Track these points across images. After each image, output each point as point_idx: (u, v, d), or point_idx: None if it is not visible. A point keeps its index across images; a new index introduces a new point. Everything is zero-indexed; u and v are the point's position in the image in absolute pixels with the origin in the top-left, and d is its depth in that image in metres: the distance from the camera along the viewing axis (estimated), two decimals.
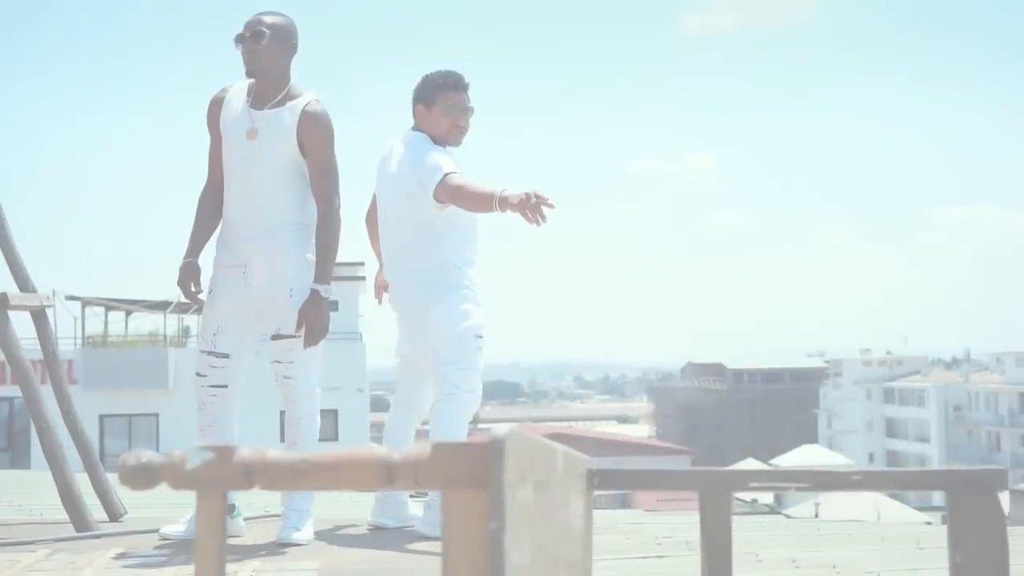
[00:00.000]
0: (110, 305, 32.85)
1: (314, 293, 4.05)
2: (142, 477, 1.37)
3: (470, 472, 1.29)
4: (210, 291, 4.21)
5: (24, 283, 4.58)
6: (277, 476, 1.33)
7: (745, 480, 1.57)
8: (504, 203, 4.01)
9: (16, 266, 4.58)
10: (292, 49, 4.17)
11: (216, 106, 4.26)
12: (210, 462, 1.34)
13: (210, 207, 4.28)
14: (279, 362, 4.11)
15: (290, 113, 4.09)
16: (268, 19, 4.12)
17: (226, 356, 4.17)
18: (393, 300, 4.52)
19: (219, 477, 1.34)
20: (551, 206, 3.95)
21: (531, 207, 3.93)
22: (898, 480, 1.54)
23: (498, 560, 1.24)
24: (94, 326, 33.76)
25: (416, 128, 4.52)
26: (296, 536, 3.98)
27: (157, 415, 30.17)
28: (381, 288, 4.77)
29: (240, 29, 4.11)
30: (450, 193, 4.21)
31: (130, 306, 32.96)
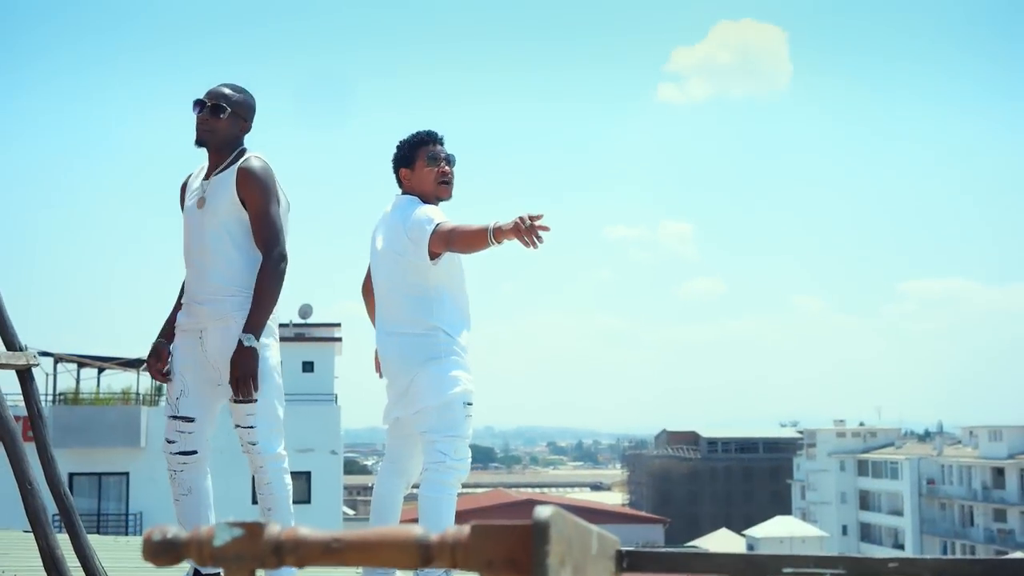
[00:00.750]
0: (82, 362, 32.58)
1: (239, 342, 4.00)
2: (167, 553, 1.32)
3: (510, 555, 1.25)
4: (171, 356, 4.22)
5: (11, 342, 4.51)
6: (309, 554, 1.29)
7: (779, 564, 1.53)
8: (499, 233, 4.03)
9: (3, 324, 4.52)
10: (247, 129, 4.23)
11: (183, 190, 4.37)
12: (239, 539, 1.30)
13: None
14: (240, 427, 4.10)
15: (230, 173, 4.14)
16: (231, 95, 4.15)
17: (191, 420, 4.17)
18: (383, 366, 4.50)
19: (248, 555, 1.30)
20: (546, 228, 3.98)
21: (527, 230, 3.95)
22: (936, 568, 1.51)
23: None
24: (66, 382, 33.48)
25: (405, 192, 4.55)
26: None
27: (128, 474, 29.83)
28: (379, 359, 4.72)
29: (201, 95, 4.15)
30: (444, 239, 4.22)
31: (103, 363, 32.70)
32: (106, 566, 4.72)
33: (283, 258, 4.10)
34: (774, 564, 1.54)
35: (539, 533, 1.23)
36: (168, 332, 4.28)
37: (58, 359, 31.47)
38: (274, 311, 4.17)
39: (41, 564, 4.24)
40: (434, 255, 4.29)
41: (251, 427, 4.07)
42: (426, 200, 4.47)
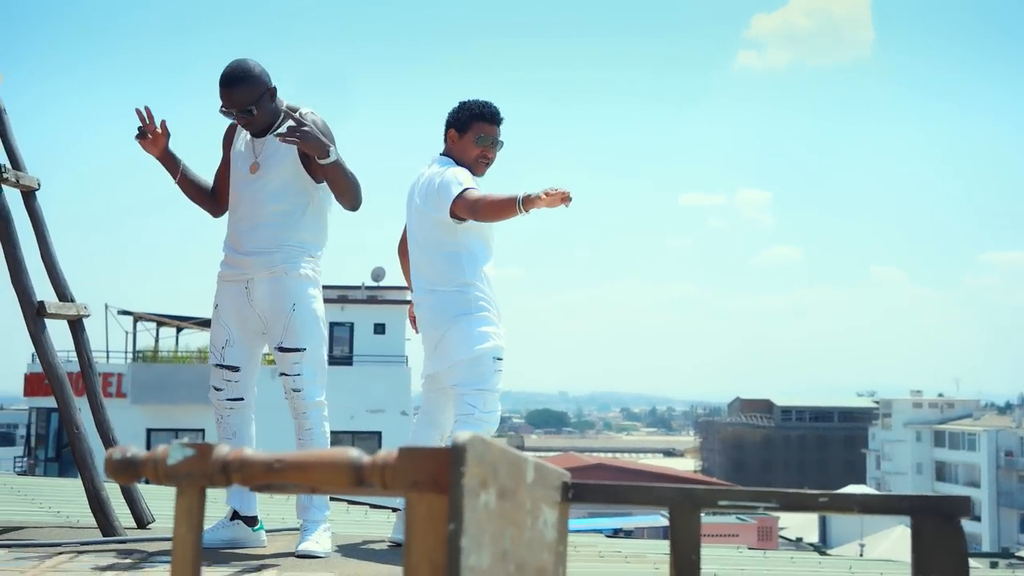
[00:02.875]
0: (161, 321, 33.28)
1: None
2: (126, 470, 1.43)
3: (434, 477, 1.34)
4: (216, 306, 4.34)
5: (63, 293, 4.69)
6: (253, 473, 1.39)
7: (714, 497, 1.60)
8: (528, 202, 4.10)
9: (55, 275, 4.69)
10: (275, 92, 4.25)
11: (231, 129, 4.45)
12: (190, 458, 1.40)
13: (206, 189, 4.48)
14: (286, 375, 4.21)
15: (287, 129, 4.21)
16: (244, 91, 4.14)
17: (236, 369, 4.28)
18: (418, 322, 4.61)
19: (198, 472, 1.40)
20: (568, 196, 4.11)
21: (560, 197, 4.08)
22: (863, 504, 1.57)
23: (454, 562, 1.29)
24: (145, 341, 34.22)
25: (444, 153, 4.63)
26: (312, 547, 4.05)
27: (203, 430, 30.44)
28: (414, 318, 4.83)
29: (220, 104, 4.18)
30: (469, 207, 4.29)
31: (181, 322, 33.37)
32: (157, 512, 4.91)
33: (361, 191, 4.26)
34: (710, 497, 1.61)
35: (456, 455, 1.31)
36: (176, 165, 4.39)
37: (137, 318, 32.18)
38: (318, 263, 4.30)
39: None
40: (457, 218, 4.38)
41: (297, 375, 4.18)
42: (462, 166, 4.56)
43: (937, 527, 1.54)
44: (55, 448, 32.23)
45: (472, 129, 4.59)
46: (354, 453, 1.38)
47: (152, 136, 4.25)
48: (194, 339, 34.93)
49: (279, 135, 4.04)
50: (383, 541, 4.57)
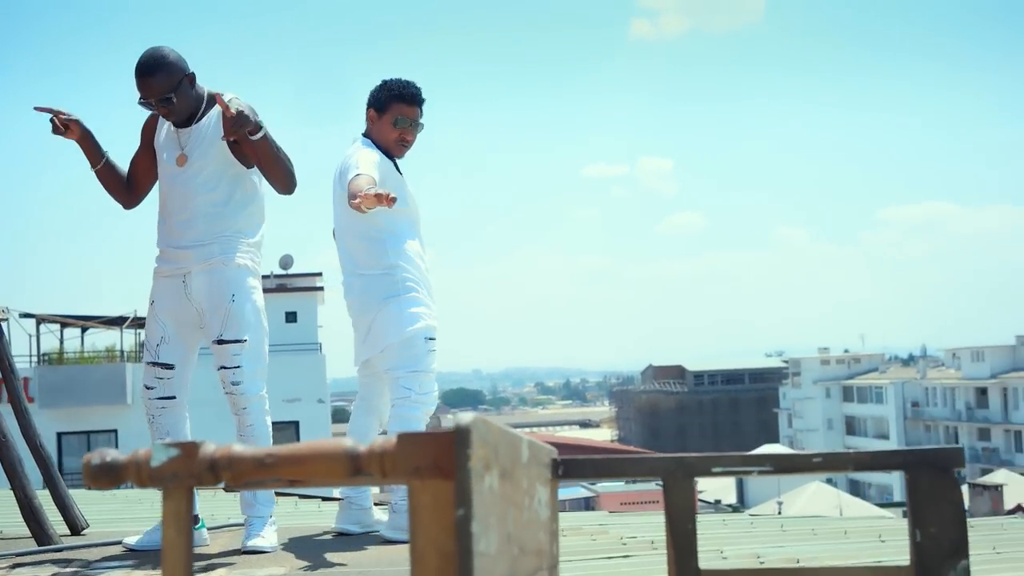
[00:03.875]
0: (65, 322, 32.50)
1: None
2: (106, 475, 1.36)
3: (436, 461, 1.29)
4: (151, 302, 4.21)
5: None
6: (243, 470, 1.33)
7: (708, 465, 1.58)
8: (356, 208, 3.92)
9: None
10: (193, 79, 4.12)
11: (152, 119, 4.30)
12: (175, 458, 1.34)
13: (123, 180, 4.33)
14: (225, 367, 4.09)
15: (215, 119, 4.12)
16: (161, 80, 4.00)
17: (171, 367, 4.16)
18: (348, 308, 4.52)
19: (185, 473, 1.34)
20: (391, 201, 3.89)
21: (386, 199, 3.85)
22: (857, 461, 1.56)
23: (465, 548, 1.24)
24: (49, 343, 33.39)
25: (365, 133, 4.54)
26: (260, 543, 3.97)
27: (116, 431, 29.85)
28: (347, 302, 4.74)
29: (138, 94, 4.04)
30: (349, 196, 4.14)
31: (86, 322, 32.64)
32: (91, 517, 4.78)
33: (294, 170, 4.15)
34: (704, 464, 1.59)
35: (461, 438, 1.27)
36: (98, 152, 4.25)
37: (40, 320, 31.38)
38: (256, 252, 4.20)
39: (21, 518, 4.29)
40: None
41: (237, 367, 4.07)
42: (380, 148, 4.46)
43: (932, 479, 1.53)
44: None
45: (391, 110, 4.50)
46: (349, 443, 1.33)
47: (63, 125, 4.10)
48: (100, 339, 34.21)
49: (224, 137, 3.92)
50: (328, 532, 4.51)
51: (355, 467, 1.31)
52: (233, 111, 3.84)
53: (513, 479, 1.42)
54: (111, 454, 1.37)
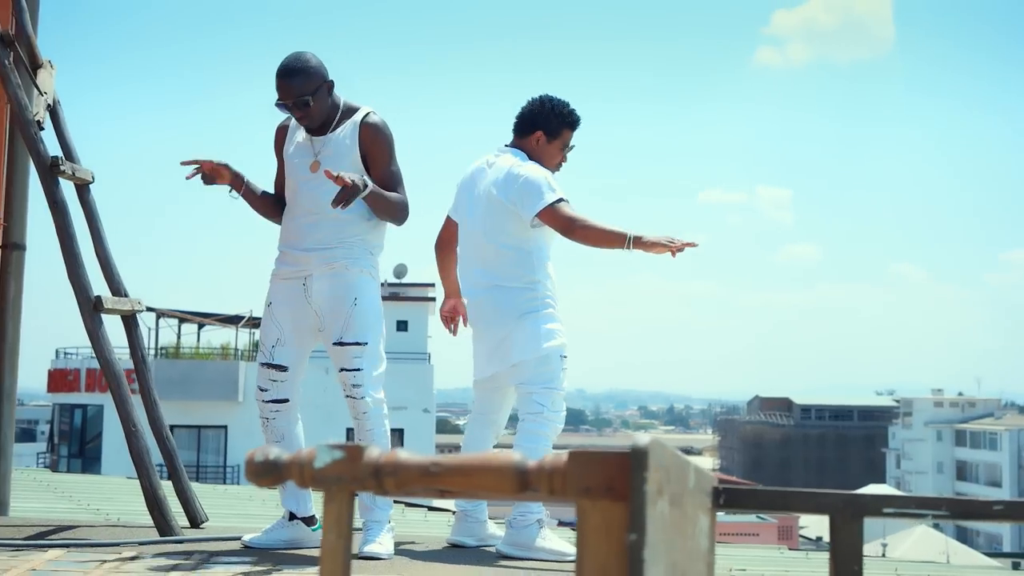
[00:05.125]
0: (184, 317, 33.28)
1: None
2: (269, 473, 1.34)
3: (608, 482, 1.25)
4: (268, 304, 4.22)
5: (116, 288, 4.62)
6: (408, 478, 1.30)
7: (880, 505, 1.51)
8: (639, 244, 4.11)
9: (109, 271, 4.62)
10: (332, 86, 4.14)
11: (281, 133, 4.33)
12: (339, 461, 1.31)
13: (272, 200, 4.35)
14: (346, 370, 4.08)
15: (349, 130, 4.13)
16: (302, 82, 4.03)
17: (284, 369, 4.17)
18: (474, 319, 4.47)
19: (348, 476, 1.31)
20: (694, 244, 4.17)
21: (676, 248, 4.12)
22: None
23: (637, 574, 1.20)
24: (167, 337, 34.24)
25: (517, 147, 4.51)
26: (377, 549, 3.96)
27: (226, 427, 30.46)
28: (450, 318, 4.70)
29: (277, 97, 4.08)
30: (563, 222, 4.21)
31: (203, 319, 33.37)
32: (207, 512, 4.84)
33: (407, 207, 4.17)
34: (875, 504, 1.52)
35: (637, 459, 1.22)
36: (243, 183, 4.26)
37: (160, 314, 32.19)
38: (377, 262, 4.21)
39: (144, 507, 4.35)
40: (535, 223, 4.29)
41: (358, 369, 4.05)
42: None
43: None
44: (79, 444, 32.28)
45: (562, 136, 4.53)
46: (518, 457, 1.29)
47: (215, 174, 4.14)
48: (216, 336, 34.93)
49: (334, 203, 3.91)
50: (442, 542, 4.49)
51: (523, 483, 1.27)
52: (348, 181, 3.86)
53: (681, 506, 1.36)
54: (274, 452, 1.35)
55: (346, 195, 3.87)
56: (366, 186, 3.94)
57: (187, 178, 4.09)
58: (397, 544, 4.26)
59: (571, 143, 4.56)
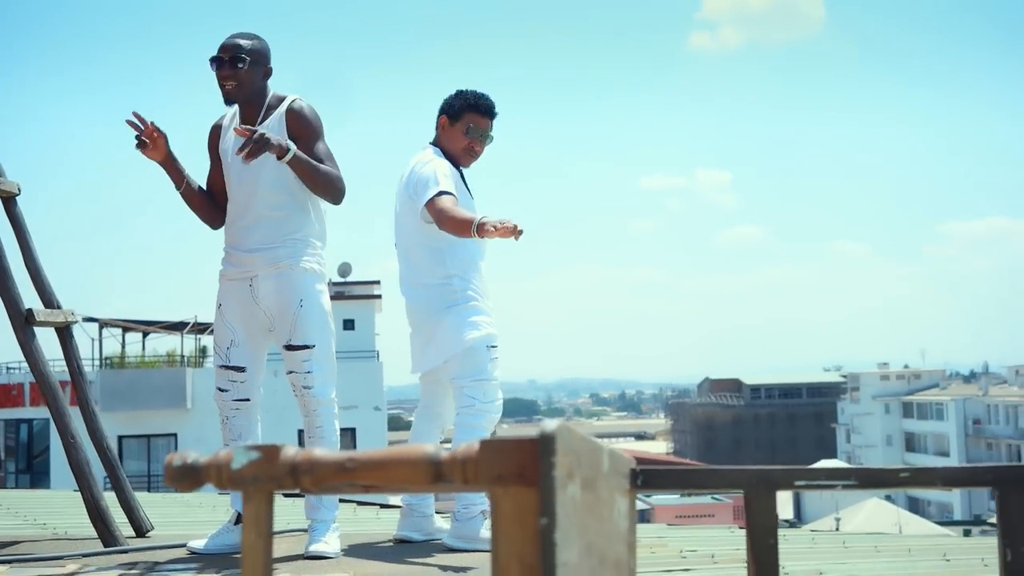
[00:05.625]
0: (127, 326, 32.94)
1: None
2: (187, 477, 1.36)
3: (519, 469, 1.27)
4: (219, 306, 4.22)
5: (49, 300, 4.58)
6: (324, 475, 1.32)
7: (790, 478, 1.55)
8: (481, 229, 4.03)
9: (40, 283, 4.58)
10: (269, 73, 4.18)
11: (215, 132, 4.33)
12: (256, 461, 1.33)
13: (208, 197, 4.32)
14: (295, 372, 4.11)
15: (276, 121, 4.13)
16: (246, 43, 4.10)
17: (243, 369, 4.18)
18: (408, 318, 4.53)
19: (265, 476, 1.33)
20: (520, 232, 4.03)
21: (510, 230, 3.99)
22: (947, 477, 1.52)
23: (549, 558, 1.23)
24: (112, 347, 33.88)
25: (433, 142, 4.55)
26: (323, 548, 3.97)
27: (175, 435, 30.18)
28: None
29: (216, 52, 4.10)
30: (435, 215, 4.22)
31: (147, 327, 33.04)
32: (154, 520, 4.82)
33: (344, 187, 4.14)
34: (786, 478, 1.56)
35: (545, 445, 1.25)
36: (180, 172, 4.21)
37: (103, 324, 31.83)
38: (322, 255, 4.21)
39: (88, 520, 4.33)
40: (424, 216, 4.32)
41: (308, 372, 4.08)
42: (447, 156, 4.48)
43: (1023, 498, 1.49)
44: (26, 459, 31.85)
45: (464, 119, 4.51)
46: (431, 449, 1.31)
47: (151, 141, 4.07)
48: (162, 343, 34.59)
49: (238, 150, 3.87)
50: (388, 539, 4.51)
51: (436, 473, 1.30)
52: (251, 132, 3.85)
53: (595, 489, 1.39)
54: (192, 456, 1.37)
55: (252, 145, 3.84)
56: (289, 150, 3.93)
57: (127, 121, 4.04)
58: (343, 542, 4.28)
59: (482, 130, 4.53)
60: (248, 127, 3.90)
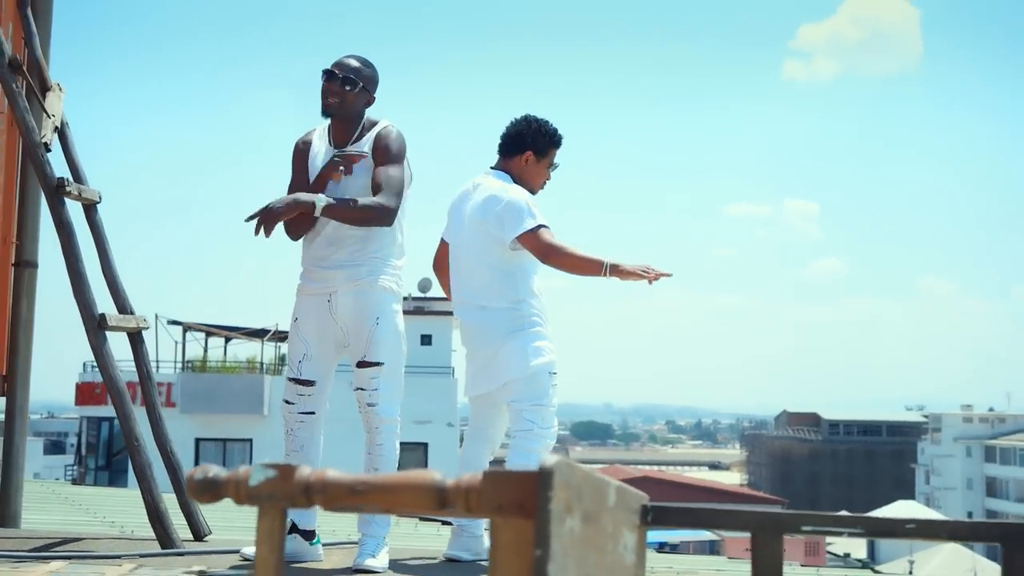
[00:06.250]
0: (210, 331, 33.51)
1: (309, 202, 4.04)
2: (207, 491, 1.43)
3: (519, 500, 1.32)
4: (295, 319, 4.32)
5: (123, 305, 4.73)
6: (335, 495, 1.38)
7: (798, 523, 1.57)
8: (616, 271, 4.24)
9: (115, 288, 4.73)
10: (371, 101, 4.32)
11: (301, 148, 4.41)
12: (272, 479, 1.40)
13: None
14: (363, 389, 4.19)
15: (367, 143, 4.24)
16: (361, 69, 4.25)
17: (312, 383, 4.26)
18: (465, 339, 4.57)
19: (280, 494, 1.39)
20: (668, 275, 4.29)
21: (652, 276, 4.25)
22: (952, 531, 1.53)
23: None
24: (194, 351, 34.46)
25: (501, 168, 4.61)
26: (372, 563, 4.04)
27: (251, 440, 30.61)
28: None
29: (330, 65, 4.24)
30: (541, 249, 4.32)
31: (229, 333, 33.59)
32: (214, 524, 4.93)
33: (392, 212, 4.15)
34: (795, 522, 1.58)
35: (543, 479, 1.29)
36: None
37: (187, 328, 32.43)
38: (400, 275, 4.28)
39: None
40: (514, 246, 4.39)
41: (375, 389, 4.16)
42: (519, 184, 4.56)
43: None
44: (105, 457, 32.54)
45: (549, 156, 4.63)
46: (437, 476, 1.37)
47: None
48: (242, 349, 35.14)
49: (247, 218, 4.05)
50: (437, 557, 4.56)
51: (441, 500, 1.35)
52: (264, 211, 4.02)
53: (597, 523, 1.43)
54: (213, 470, 1.44)
55: (261, 220, 4.01)
56: (316, 206, 4.03)
57: (246, 220, 4.14)
58: (394, 558, 4.34)
59: (556, 162, 4.65)
60: (255, 213, 4.04)
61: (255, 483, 1.40)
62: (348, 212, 4.10)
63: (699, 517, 1.63)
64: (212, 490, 1.43)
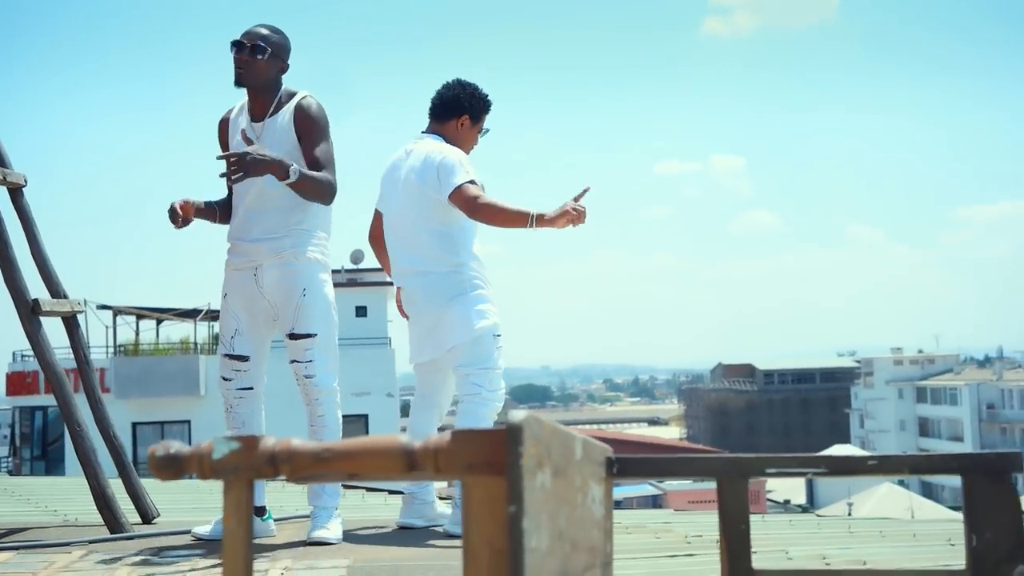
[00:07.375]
0: (141, 314, 33.07)
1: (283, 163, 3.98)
2: (170, 467, 1.40)
3: (489, 458, 1.31)
4: (224, 295, 4.28)
5: (55, 290, 4.64)
6: (301, 464, 1.36)
7: (762, 466, 1.59)
8: (542, 221, 4.18)
9: (47, 273, 4.64)
10: (284, 69, 4.25)
11: (223, 125, 4.37)
12: (236, 451, 1.37)
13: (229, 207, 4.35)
14: (297, 361, 4.16)
15: (286, 114, 4.18)
16: (269, 35, 4.18)
17: (246, 359, 4.23)
18: (406, 305, 4.54)
19: (245, 466, 1.37)
20: (587, 188, 4.32)
21: (575, 218, 4.22)
22: (913, 465, 1.55)
23: (517, 544, 1.26)
24: (125, 335, 34.00)
25: (434, 132, 4.58)
26: (325, 534, 4.02)
27: (189, 422, 30.32)
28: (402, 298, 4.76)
29: (239, 36, 4.16)
30: (468, 203, 4.27)
31: (161, 315, 33.18)
32: (161, 507, 4.88)
33: (335, 191, 4.17)
34: (758, 465, 1.59)
35: (512, 435, 1.29)
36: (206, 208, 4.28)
37: (117, 312, 31.97)
38: (327, 245, 4.25)
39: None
40: (451, 204, 4.36)
41: (309, 361, 4.14)
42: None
43: (988, 485, 1.53)
44: (41, 447, 32.06)
45: (482, 120, 4.62)
46: (404, 438, 1.35)
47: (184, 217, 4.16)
48: (175, 331, 34.73)
49: (222, 174, 3.96)
50: (388, 526, 4.56)
51: (409, 463, 1.34)
52: (251, 159, 3.90)
53: (566, 477, 1.43)
54: (175, 446, 1.41)
55: (234, 168, 3.90)
56: (290, 173, 3.97)
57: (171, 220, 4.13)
58: (347, 529, 4.33)
59: (486, 127, 4.65)
60: (232, 153, 3.94)
61: (219, 456, 1.38)
62: (313, 185, 4.07)
63: (663, 467, 1.63)
64: (174, 466, 1.40)
